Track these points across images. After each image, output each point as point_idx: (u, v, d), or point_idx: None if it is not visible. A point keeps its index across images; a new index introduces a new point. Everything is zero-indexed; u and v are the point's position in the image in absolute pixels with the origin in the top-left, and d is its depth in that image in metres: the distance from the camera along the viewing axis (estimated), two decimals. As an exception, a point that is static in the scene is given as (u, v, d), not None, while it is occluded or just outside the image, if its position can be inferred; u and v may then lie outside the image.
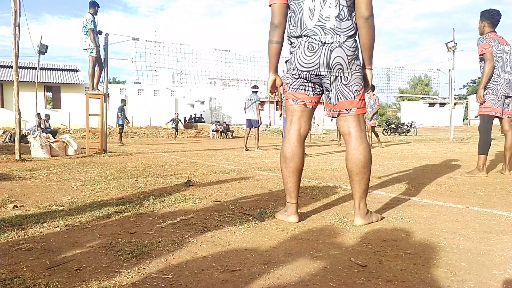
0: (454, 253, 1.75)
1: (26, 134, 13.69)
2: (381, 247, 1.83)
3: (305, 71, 2.23)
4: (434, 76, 15.99)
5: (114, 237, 2.02)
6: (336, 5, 2.14)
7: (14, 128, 8.33)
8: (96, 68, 8.31)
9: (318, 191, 3.36)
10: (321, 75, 2.22)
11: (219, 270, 1.56)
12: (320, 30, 2.17)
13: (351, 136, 2.24)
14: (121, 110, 13.88)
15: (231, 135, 24.24)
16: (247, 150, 9.61)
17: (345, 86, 2.22)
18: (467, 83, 69.21)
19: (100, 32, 8.31)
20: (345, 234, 2.07)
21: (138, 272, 1.54)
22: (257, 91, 10.14)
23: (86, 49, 8.11)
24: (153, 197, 3.06)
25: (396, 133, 24.76)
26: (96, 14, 8.24)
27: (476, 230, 2.14)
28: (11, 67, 23.65)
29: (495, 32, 4.42)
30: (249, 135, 10.35)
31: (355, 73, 2.22)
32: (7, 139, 14.51)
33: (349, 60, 2.18)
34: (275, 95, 2.52)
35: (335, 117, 2.33)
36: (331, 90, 2.25)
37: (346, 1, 2.14)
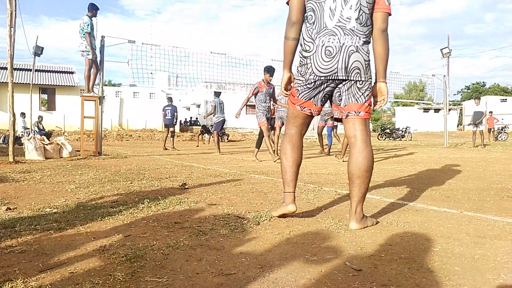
0: (449, 257, 1.76)
1: (20, 136, 13.59)
2: (376, 252, 1.84)
3: (322, 76, 2.24)
4: (429, 82, 16.07)
5: (108, 240, 2.00)
6: (356, 9, 2.18)
7: (8, 130, 8.27)
8: (92, 70, 8.28)
9: (313, 195, 3.36)
10: (338, 79, 2.24)
11: (213, 273, 1.55)
12: (340, 31, 2.19)
13: (357, 139, 2.27)
14: (176, 109, 12.91)
15: (227, 139, 24.21)
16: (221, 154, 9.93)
17: (359, 90, 2.25)
18: (462, 89, 69.89)
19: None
20: (340, 238, 2.07)
21: (132, 275, 1.53)
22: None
23: (83, 51, 8.09)
24: (148, 200, 3.05)
25: (391, 138, 24.86)
26: (95, 17, 8.22)
27: (470, 235, 2.15)
28: (6, 68, 23.56)
29: None
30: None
31: (369, 78, 2.28)
32: (0, 141, 14.39)
33: (366, 65, 2.23)
34: (288, 94, 2.46)
35: (343, 118, 2.34)
36: (343, 93, 2.28)
37: (367, 7, 2.19)
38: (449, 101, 15.75)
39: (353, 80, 2.22)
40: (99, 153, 8.32)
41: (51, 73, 29.58)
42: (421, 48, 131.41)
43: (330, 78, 2.24)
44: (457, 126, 46.15)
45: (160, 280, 1.49)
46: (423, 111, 46.57)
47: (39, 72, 27.97)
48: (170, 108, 12.49)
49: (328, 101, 2.44)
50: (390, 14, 2.24)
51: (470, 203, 3.07)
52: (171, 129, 12.52)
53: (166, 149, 11.92)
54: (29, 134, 12.78)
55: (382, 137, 25.55)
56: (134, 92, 32.09)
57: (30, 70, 16.30)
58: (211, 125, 14.15)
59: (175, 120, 12.45)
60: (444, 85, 14.62)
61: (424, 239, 2.05)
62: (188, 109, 43.33)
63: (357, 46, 2.19)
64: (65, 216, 2.55)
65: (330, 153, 9.43)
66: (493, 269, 1.62)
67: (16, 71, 25.82)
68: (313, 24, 2.25)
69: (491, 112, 20.69)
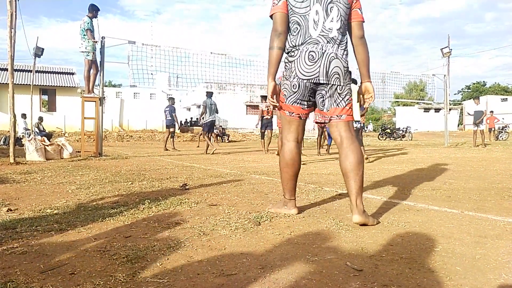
0: (450, 257, 1.76)
1: (21, 137, 13.59)
2: (377, 252, 1.84)
3: (305, 79, 2.40)
4: (429, 82, 16.08)
5: (109, 241, 2.00)
6: (337, 20, 2.40)
7: (8, 131, 8.28)
8: (92, 71, 8.29)
9: (314, 196, 3.36)
10: (320, 83, 2.41)
11: (214, 274, 1.55)
12: (323, 39, 2.39)
13: (343, 138, 2.45)
14: (174, 110, 12.89)
15: (227, 139, 24.22)
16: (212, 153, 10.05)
17: (339, 95, 2.44)
18: (462, 89, 69.83)
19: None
20: (341, 238, 2.07)
21: (133, 276, 1.53)
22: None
23: (83, 51, 8.09)
24: (149, 200, 3.05)
25: (391, 138, 24.84)
26: (96, 18, 8.22)
27: (471, 234, 2.15)
28: (6, 69, 23.55)
29: None
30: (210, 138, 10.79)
31: (348, 83, 2.47)
32: (1, 142, 14.40)
33: (345, 71, 2.44)
34: (274, 102, 2.53)
35: (326, 122, 2.53)
36: (325, 98, 2.45)
37: (345, 18, 2.42)
38: (450, 100, 15.75)
39: (333, 84, 2.41)
40: (100, 154, 8.33)
41: (52, 74, 29.61)
42: (421, 47, 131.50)
43: (313, 82, 2.41)
44: (458, 125, 46.13)
45: (161, 281, 1.49)
46: (424, 111, 46.55)
47: (39, 73, 28.01)
48: (169, 108, 12.52)
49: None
50: (364, 22, 2.49)
51: (471, 203, 3.07)
52: (171, 129, 12.54)
53: (167, 149, 11.94)
54: (29, 135, 12.78)
55: (383, 137, 25.54)
56: (134, 93, 32.13)
57: (31, 71, 16.31)
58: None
59: (174, 121, 12.45)
60: (444, 85, 14.61)
61: (425, 239, 2.05)
62: (189, 109, 43.32)
63: (336, 54, 2.40)
64: (66, 217, 2.55)
65: (330, 153, 9.45)
66: (494, 268, 1.62)
67: (16, 72, 25.85)
68: (298, 34, 2.43)
69: (492, 111, 20.67)
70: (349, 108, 2.46)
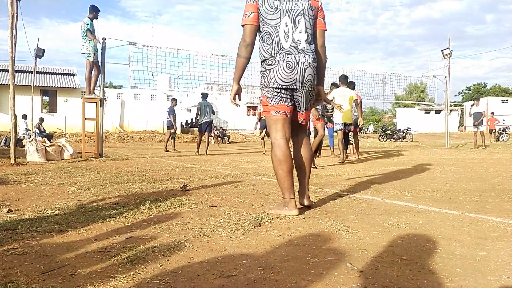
0: (450, 259, 1.76)
1: (22, 138, 13.61)
2: (377, 253, 1.84)
3: (284, 85, 2.63)
4: (429, 83, 16.08)
5: (110, 242, 2.01)
6: (304, 32, 2.65)
7: (9, 132, 8.28)
8: (93, 72, 8.30)
9: (314, 197, 3.36)
10: (296, 89, 2.67)
11: (215, 275, 1.55)
12: (294, 50, 2.63)
13: (302, 135, 2.83)
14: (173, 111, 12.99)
15: (228, 140, 24.22)
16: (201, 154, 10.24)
17: (309, 100, 2.76)
18: (463, 90, 69.79)
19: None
20: (342, 239, 2.07)
21: (133, 277, 1.53)
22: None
23: (84, 53, 8.11)
24: (149, 201, 3.05)
25: (392, 139, 24.83)
26: (96, 18, 8.23)
27: (471, 236, 2.14)
28: (7, 70, 23.59)
29: None
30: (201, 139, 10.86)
31: (316, 89, 2.79)
32: (2, 143, 14.41)
33: (315, 78, 2.72)
34: (236, 103, 2.80)
35: (298, 122, 2.81)
36: (301, 102, 2.73)
37: (311, 29, 2.69)
38: (450, 102, 15.75)
39: (307, 89, 2.69)
40: (100, 155, 8.33)
41: (52, 75, 29.63)
42: (421, 49, 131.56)
43: (290, 87, 2.65)
44: (458, 127, 46.11)
45: (161, 282, 1.49)
46: (424, 112, 46.52)
47: (40, 74, 28.03)
48: (169, 109, 12.60)
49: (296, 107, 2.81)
50: (326, 30, 2.78)
51: (471, 205, 3.06)
52: (171, 130, 12.59)
53: (168, 150, 11.98)
54: (30, 136, 12.79)
55: (383, 138, 25.53)
56: (135, 94, 32.11)
57: (32, 72, 16.34)
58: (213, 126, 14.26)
59: (172, 122, 12.49)
60: (445, 86, 14.61)
61: (425, 241, 2.05)
62: (189, 110, 43.32)
63: (309, 62, 2.65)
64: (66, 218, 2.55)
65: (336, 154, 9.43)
66: (494, 270, 1.62)
67: (17, 73, 25.89)
68: (271, 44, 2.64)
69: (492, 113, 20.66)
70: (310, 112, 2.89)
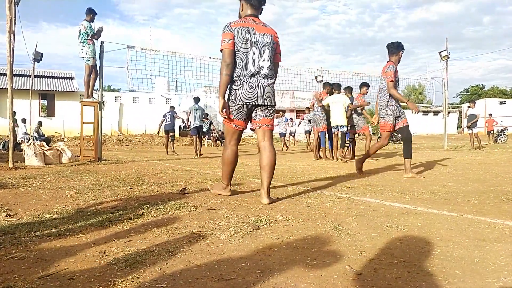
0: (448, 261, 1.76)
1: (20, 142, 13.58)
2: (376, 255, 1.84)
3: (247, 102, 3.24)
4: (427, 85, 16.13)
5: (108, 246, 2.00)
6: (268, 60, 3.28)
7: (7, 136, 8.27)
8: (92, 75, 8.30)
9: (313, 199, 3.36)
10: (258, 105, 3.28)
11: (213, 279, 1.55)
12: (258, 74, 3.26)
13: (266, 142, 3.33)
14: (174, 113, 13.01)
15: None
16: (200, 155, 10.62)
17: (269, 111, 3.34)
18: (460, 92, 69.96)
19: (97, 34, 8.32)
20: (340, 242, 2.07)
21: (132, 281, 1.53)
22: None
23: (83, 57, 8.11)
24: (148, 205, 3.05)
25: (390, 141, 24.86)
26: (93, 21, 8.24)
27: (470, 238, 2.15)
28: (5, 74, 23.59)
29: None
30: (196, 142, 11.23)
31: (275, 104, 3.39)
32: (0, 147, 14.38)
33: (273, 96, 3.36)
34: (225, 115, 3.29)
35: (256, 128, 3.35)
36: (258, 113, 3.32)
37: (273, 58, 3.32)
38: (448, 103, 15.78)
39: (266, 104, 3.29)
40: (99, 159, 8.32)
41: (51, 79, 29.62)
42: (419, 51, 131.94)
43: (252, 103, 3.25)
44: (457, 128, 46.20)
45: (160, 285, 1.48)
46: (422, 114, 46.58)
47: (38, 78, 28.01)
48: (170, 113, 12.67)
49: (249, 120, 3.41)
50: (280, 61, 3.47)
51: (469, 206, 3.07)
52: (170, 134, 12.64)
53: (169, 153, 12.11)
54: (28, 140, 12.78)
55: (382, 140, 25.52)
56: (133, 97, 32.11)
57: (30, 76, 16.30)
58: (210, 129, 14.35)
59: (173, 125, 12.63)
60: (443, 88, 14.65)
61: (424, 243, 2.05)
62: (187, 113, 43.27)
63: (268, 84, 3.29)
64: (65, 222, 2.54)
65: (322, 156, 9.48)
66: (493, 272, 1.62)
67: (15, 77, 25.83)
68: (241, 68, 3.23)
69: (490, 114, 20.71)
70: (273, 120, 3.39)
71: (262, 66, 3.25)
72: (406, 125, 5.29)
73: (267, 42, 3.27)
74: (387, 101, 5.27)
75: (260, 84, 3.24)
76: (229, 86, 3.28)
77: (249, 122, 3.42)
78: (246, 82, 3.21)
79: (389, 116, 5.26)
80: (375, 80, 12.96)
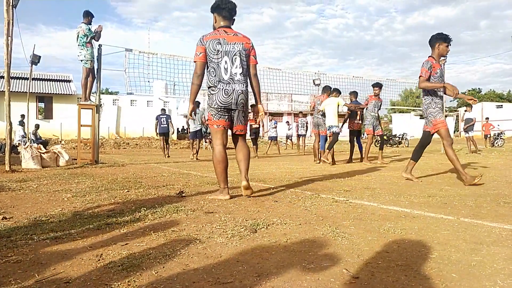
0: (445, 264, 1.76)
1: (17, 144, 13.53)
2: (373, 259, 1.84)
3: (223, 106, 3.53)
4: (425, 89, 16.11)
5: (105, 249, 2.00)
6: (240, 67, 3.56)
7: (4, 139, 8.25)
8: (89, 78, 8.29)
9: (310, 203, 3.36)
10: (232, 109, 3.57)
11: (210, 282, 1.55)
12: (232, 81, 3.54)
13: (240, 142, 3.74)
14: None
15: (224, 146, 24.23)
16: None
17: (243, 117, 3.67)
18: (458, 96, 70.05)
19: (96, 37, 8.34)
20: (337, 245, 2.07)
21: (129, 285, 1.52)
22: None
23: (82, 60, 8.11)
24: (145, 208, 3.04)
25: (388, 145, 24.90)
26: (90, 24, 8.25)
27: (467, 241, 2.15)
28: (3, 77, 23.53)
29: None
30: (193, 145, 11.54)
31: (247, 110, 3.72)
32: (-3, 150, 14.31)
33: (247, 101, 3.65)
34: (192, 117, 3.76)
35: (235, 133, 3.71)
36: (235, 119, 3.63)
37: (246, 64, 3.61)
38: (446, 107, 15.86)
39: (240, 110, 3.59)
40: (96, 162, 8.31)
41: (48, 82, 29.57)
42: (417, 55, 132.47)
43: (227, 107, 3.54)
44: (454, 132, 46.32)
45: (156, 289, 1.48)
46: (420, 118, 46.68)
47: (36, 81, 27.98)
48: (165, 116, 12.65)
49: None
50: (257, 63, 3.73)
51: (466, 210, 3.07)
52: (166, 137, 12.66)
53: (166, 156, 12.13)
54: (25, 143, 12.73)
55: (379, 143, 25.58)
56: (131, 100, 32.10)
57: (27, 78, 16.30)
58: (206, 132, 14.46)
59: (168, 128, 12.61)
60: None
61: (421, 246, 2.05)
62: (186, 116, 43.27)
63: (242, 90, 3.57)
64: (62, 225, 2.53)
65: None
66: (490, 275, 1.63)
67: (13, 79, 25.80)
68: (215, 76, 3.53)
69: (487, 118, 20.81)
70: (246, 125, 3.75)
71: (235, 73, 3.54)
72: (428, 130, 5.18)
73: (238, 50, 3.55)
74: (432, 99, 5.14)
75: (234, 91, 3.53)
76: (208, 92, 3.61)
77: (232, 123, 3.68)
78: (222, 89, 3.51)
79: (438, 114, 5.09)
80: (370, 83, 13.00)
